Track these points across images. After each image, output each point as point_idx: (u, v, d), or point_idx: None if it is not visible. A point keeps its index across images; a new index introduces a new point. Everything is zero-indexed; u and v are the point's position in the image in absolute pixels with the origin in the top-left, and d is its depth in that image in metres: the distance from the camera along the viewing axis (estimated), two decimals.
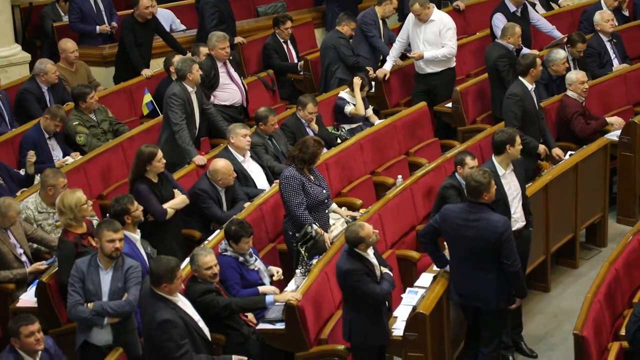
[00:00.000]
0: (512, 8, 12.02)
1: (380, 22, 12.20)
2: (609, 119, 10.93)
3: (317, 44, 13.43)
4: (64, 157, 10.13)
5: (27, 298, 8.19)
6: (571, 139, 10.64)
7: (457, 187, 8.71)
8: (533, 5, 12.77)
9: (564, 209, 9.64)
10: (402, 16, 13.13)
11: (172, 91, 9.89)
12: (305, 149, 8.64)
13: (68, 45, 11.54)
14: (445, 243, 7.94)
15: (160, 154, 8.75)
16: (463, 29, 13.21)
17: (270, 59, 12.65)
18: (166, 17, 13.39)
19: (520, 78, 9.91)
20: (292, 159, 8.72)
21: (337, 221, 8.97)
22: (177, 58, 11.03)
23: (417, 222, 9.48)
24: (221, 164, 9.09)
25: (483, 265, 7.56)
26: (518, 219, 8.26)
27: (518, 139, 8.26)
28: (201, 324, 7.27)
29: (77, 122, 10.42)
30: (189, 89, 9.98)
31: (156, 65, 12.16)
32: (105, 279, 7.42)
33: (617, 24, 12.30)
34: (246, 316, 7.98)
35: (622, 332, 7.51)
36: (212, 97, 10.91)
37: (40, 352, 6.97)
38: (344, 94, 11.38)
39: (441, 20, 11.47)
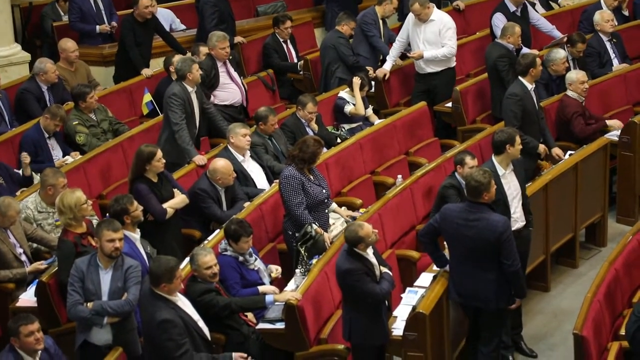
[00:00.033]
0: (512, 8, 12.01)
1: (380, 21, 12.18)
2: (608, 122, 10.91)
3: (317, 44, 13.42)
4: (63, 156, 10.12)
5: (27, 298, 8.18)
6: (571, 139, 10.63)
7: (457, 187, 8.70)
8: (533, 5, 12.76)
9: (563, 208, 9.63)
10: (402, 16, 13.12)
11: (172, 91, 9.89)
12: (305, 148, 8.63)
13: (68, 44, 11.53)
14: (445, 243, 7.94)
15: (159, 153, 8.74)
16: (463, 29, 13.20)
17: (270, 59, 12.65)
18: (166, 16, 13.39)
19: (520, 78, 9.90)
20: (292, 159, 8.71)
21: (337, 221, 8.96)
22: (177, 58, 11.02)
23: (417, 221, 9.47)
24: (221, 163, 9.09)
25: (483, 265, 7.55)
26: (518, 219, 8.26)
27: (518, 139, 8.26)
28: (201, 323, 7.27)
29: (77, 122, 10.41)
30: (189, 88, 9.98)
31: (156, 64, 12.15)
32: (105, 278, 7.41)
33: (617, 24, 12.29)
34: (246, 316, 7.97)
35: (622, 331, 7.50)
36: (212, 97, 10.91)
37: (40, 352, 6.96)
38: (343, 93, 11.37)
39: (441, 20, 11.47)
